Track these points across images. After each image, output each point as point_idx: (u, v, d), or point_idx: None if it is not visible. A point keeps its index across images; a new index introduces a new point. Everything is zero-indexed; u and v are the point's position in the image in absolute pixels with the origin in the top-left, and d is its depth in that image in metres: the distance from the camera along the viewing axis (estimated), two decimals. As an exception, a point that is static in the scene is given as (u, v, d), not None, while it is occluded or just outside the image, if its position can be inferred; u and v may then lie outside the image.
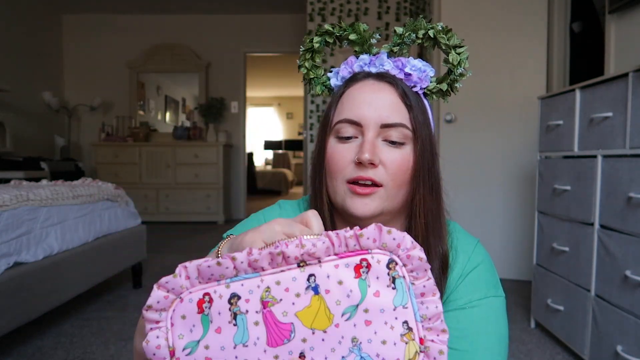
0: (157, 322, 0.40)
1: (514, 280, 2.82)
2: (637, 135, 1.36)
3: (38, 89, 4.79)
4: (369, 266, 0.39)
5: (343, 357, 0.39)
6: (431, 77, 0.67)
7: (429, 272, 0.39)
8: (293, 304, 0.39)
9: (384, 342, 0.38)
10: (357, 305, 0.38)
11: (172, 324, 0.40)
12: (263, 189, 8.67)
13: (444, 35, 0.65)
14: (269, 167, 9.92)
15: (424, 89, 0.67)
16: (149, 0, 4.93)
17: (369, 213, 0.60)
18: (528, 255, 2.64)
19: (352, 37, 0.68)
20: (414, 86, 0.65)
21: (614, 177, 1.46)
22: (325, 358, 0.39)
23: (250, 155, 8.64)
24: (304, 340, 0.39)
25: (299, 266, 0.39)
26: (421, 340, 0.38)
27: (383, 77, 0.63)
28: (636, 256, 1.34)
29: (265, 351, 0.39)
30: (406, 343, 0.38)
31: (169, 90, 5.70)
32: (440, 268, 0.63)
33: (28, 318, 1.69)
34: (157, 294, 0.40)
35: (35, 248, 1.77)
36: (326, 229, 0.63)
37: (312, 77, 0.71)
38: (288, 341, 0.39)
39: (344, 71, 0.67)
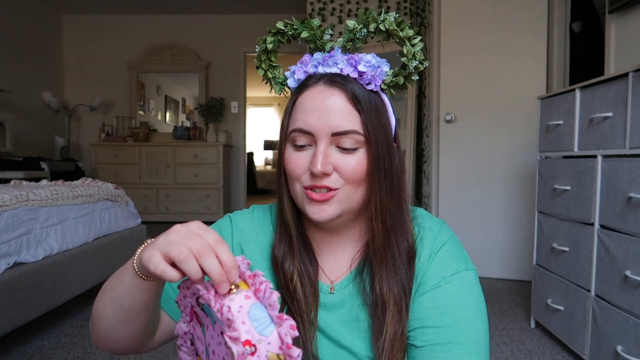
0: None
1: (514, 280, 2.82)
2: (637, 135, 1.36)
3: (38, 89, 4.79)
4: (196, 313, 0.47)
5: None
6: (386, 71, 0.65)
7: (199, 288, 0.42)
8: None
9: (224, 359, 0.43)
10: (206, 346, 0.46)
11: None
12: (263, 189, 8.67)
13: (396, 27, 0.63)
14: (269, 167, 9.92)
15: (380, 85, 0.65)
16: (149, 0, 4.93)
17: (327, 218, 0.62)
18: (528, 255, 2.64)
19: (304, 35, 0.67)
20: (369, 83, 0.63)
21: (614, 177, 1.46)
22: None
23: (250, 155, 8.64)
24: None
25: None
26: (232, 339, 0.39)
27: (334, 81, 0.62)
28: (636, 256, 1.34)
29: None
30: (229, 347, 0.39)
31: (169, 90, 5.70)
32: (407, 261, 0.64)
33: (28, 318, 1.69)
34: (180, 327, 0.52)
35: (35, 248, 1.77)
36: (289, 231, 0.66)
37: (270, 77, 0.70)
38: None
39: (299, 71, 0.66)
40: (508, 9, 2.76)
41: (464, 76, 2.83)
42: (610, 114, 1.48)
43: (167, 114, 5.71)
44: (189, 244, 0.42)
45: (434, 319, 0.62)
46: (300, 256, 0.66)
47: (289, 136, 0.63)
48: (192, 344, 0.49)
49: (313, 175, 0.60)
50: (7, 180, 3.00)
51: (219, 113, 5.25)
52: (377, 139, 0.61)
